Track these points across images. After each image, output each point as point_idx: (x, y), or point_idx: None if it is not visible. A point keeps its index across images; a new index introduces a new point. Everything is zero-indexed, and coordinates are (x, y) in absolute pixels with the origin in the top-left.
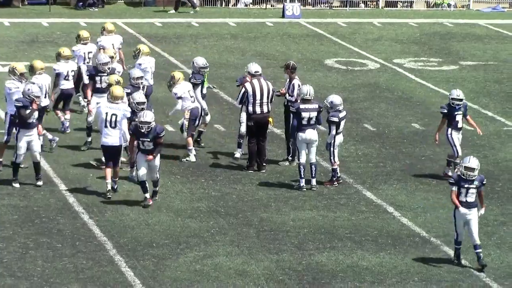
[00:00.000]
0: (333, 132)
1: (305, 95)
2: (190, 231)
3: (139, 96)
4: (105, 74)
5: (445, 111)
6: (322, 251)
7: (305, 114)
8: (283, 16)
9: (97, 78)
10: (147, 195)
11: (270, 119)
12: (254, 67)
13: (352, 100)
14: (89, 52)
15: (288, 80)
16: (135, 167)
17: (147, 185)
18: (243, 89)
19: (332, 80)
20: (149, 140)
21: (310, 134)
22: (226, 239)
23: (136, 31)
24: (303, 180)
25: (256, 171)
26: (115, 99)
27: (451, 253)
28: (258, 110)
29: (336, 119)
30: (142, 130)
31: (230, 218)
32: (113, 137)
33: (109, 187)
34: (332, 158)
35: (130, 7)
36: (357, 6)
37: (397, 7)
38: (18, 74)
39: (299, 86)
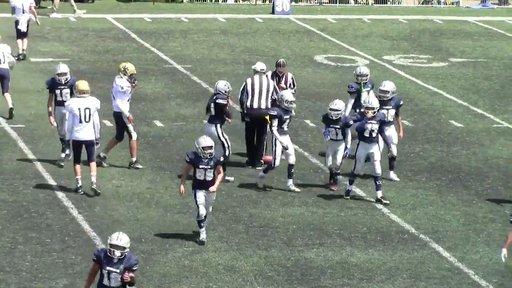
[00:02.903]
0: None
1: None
2: (179, 227)
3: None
4: (66, 86)
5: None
6: (311, 248)
7: (367, 126)
8: (273, 12)
9: (57, 91)
10: (203, 232)
11: (267, 117)
12: (259, 65)
13: (341, 97)
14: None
15: (283, 76)
16: (196, 203)
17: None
18: (244, 84)
19: (321, 76)
20: (210, 167)
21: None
22: (215, 234)
23: (126, 27)
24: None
25: (251, 167)
26: (81, 93)
27: (440, 250)
28: (255, 105)
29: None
30: (203, 156)
31: (219, 213)
32: (86, 132)
33: (81, 183)
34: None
35: (120, 2)
36: (347, 3)
37: (386, 3)
38: (129, 74)
39: (292, 78)
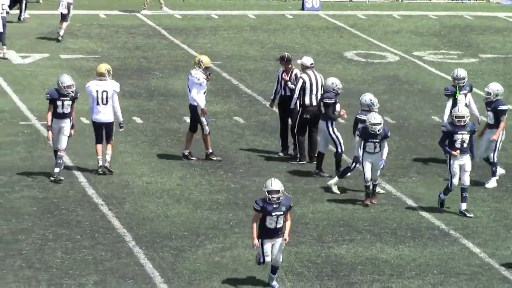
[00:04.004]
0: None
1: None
2: (209, 223)
3: None
4: (68, 98)
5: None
6: (341, 244)
7: (458, 137)
8: (302, 9)
9: (59, 103)
10: (275, 280)
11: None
12: (308, 60)
13: (371, 93)
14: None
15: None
16: (262, 255)
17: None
18: (301, 81)
19: (351, 73)
20: (283, 213)
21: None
22: (245, 231)
23: (156, 23)
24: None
25: (310, 163)
26: (100, 76)
27: (470, 246)
28: (314, 101)
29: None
30: (272, 200)
31: (249, 210)
32: (105, 114)
33: (101, 163)
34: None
35: None
36: None
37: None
38: (203, 67)
39: (296, 75)
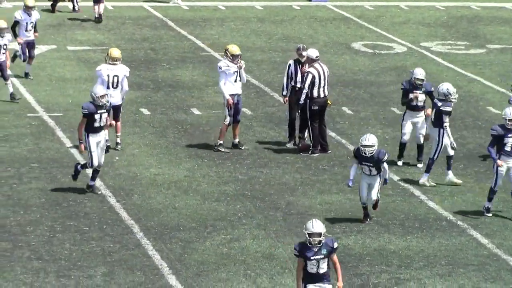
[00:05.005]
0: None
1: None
2: (217, 215)
3: None
4: (104, 111)
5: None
6: (349, 235)
7: (509, 140)
8: (310, 0)
9: (96, 116)
10: None
11: (329, 101)
12: (314, 52)
13: (379, 84)
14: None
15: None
16: None
17: None
18: (311, 76)
19: (359, 64)
20: (323, 256)
21: None
22: (253, 222)
23: (163, 15)
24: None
25: (322, 153)
26: (113, 60)
27: (478, 237)
28: (322, 94)
29: None
30: (313, 244)
31: (257, 201)
32: (115, 98)
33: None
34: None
35: None
36: None
37: None
38: (230, 55)
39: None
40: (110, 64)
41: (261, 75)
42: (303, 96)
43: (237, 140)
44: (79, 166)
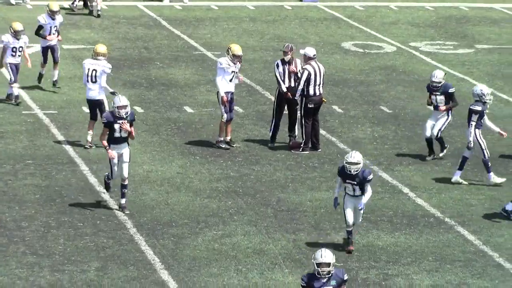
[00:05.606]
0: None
1: None
2: (208, 211)
3: None
4: (124, 122)
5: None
6: (338, 231)
7: None
8: (301, 0)
9: (116, 126)
10: None
11: (324, 99)
12: (311, 50)
13: (368, 83)
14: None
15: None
16: None
17: None
18: (306, 72)
19: (349, 63)
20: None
21: None
22: (244, 218)
23: (157, 14)
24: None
25: (312, 151)
26: (97, 55)
27: (465, 233)
28: (317, 92)
29: None
30: (322, 275)
31: (248, 198)
32: (93, 91)
33: (89, 139)
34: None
35: None
36: None
37: None
38: (232, 54)
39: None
40: (93, 58)
41: (253, 74)
42: (299, 93)
43: (229, 138)
44: (106, 177)
